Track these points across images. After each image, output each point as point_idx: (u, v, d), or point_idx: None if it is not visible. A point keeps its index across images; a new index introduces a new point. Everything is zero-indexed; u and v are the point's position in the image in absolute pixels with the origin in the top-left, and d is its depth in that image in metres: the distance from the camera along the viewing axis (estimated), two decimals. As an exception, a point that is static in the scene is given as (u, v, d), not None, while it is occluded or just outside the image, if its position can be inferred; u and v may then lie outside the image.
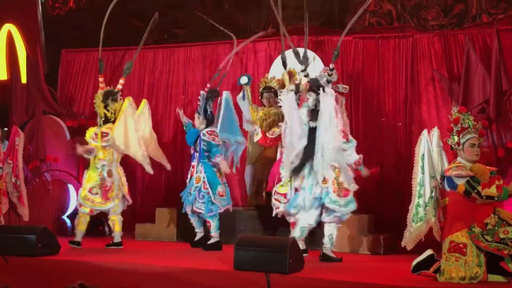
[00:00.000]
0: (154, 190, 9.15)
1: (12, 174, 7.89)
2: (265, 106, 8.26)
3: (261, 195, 8.18)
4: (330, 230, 6.71)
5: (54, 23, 10.06)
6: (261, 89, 8.31)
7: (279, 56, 8.56)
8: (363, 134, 7.49)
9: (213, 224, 7.49)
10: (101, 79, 7.91)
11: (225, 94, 7.85)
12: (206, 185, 7.40)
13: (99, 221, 8.52)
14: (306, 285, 5.66)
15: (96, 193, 7.53)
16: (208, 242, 7.53)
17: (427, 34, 8.22)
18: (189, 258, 6.89)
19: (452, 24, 8.33)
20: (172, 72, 9.27)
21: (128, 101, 7.63)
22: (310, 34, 8.50)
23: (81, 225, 7.62)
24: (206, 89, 7.87)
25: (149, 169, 7.74)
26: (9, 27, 10.05)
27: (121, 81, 8.00)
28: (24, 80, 9.72)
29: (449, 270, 5.43)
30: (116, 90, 7.79)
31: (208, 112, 7.61)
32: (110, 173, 7.58)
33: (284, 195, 7.06)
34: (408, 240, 5.91)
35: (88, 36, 9.40)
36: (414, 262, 5.81)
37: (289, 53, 8.29)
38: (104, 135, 7.57)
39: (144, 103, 7.89)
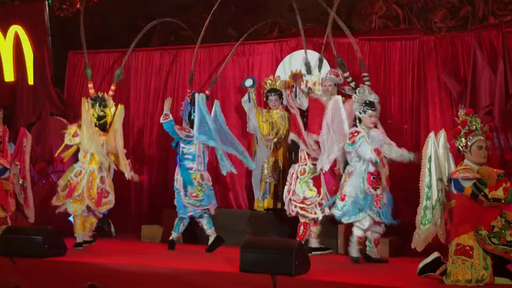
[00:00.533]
0: (161, 191, 9.16)
1: (20, 176, 7.92)
2: (269, 108, 8.28)
3: (270, 198, 8.19)
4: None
5: (61, 25, 10.09)
6: (266, 91, 8.33)
7: (286, 58, 8.62)
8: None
9: (204, 222, 7.72)
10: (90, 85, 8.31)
11: (197, 97, 7.82)
12: (181, 186, 7.68)
13: (105, 222, 8.53)
14: (312, 287, 5.66)
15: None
16: (209, 243, 7.66)
17: (433, 36, 8.21)
18: (196, 260, 6.91)
19: (459, 26, 8.32)
20: (178, 74, 9.27)
21: (83, 101, 7.86)
22: (316, 36, 8.57)
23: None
24: (188, 93, 8.10)
25: (127, 172, 7.90)
26: (16, 29, 10.08)
27: (112, 87, 8.39)
28: (31, 81, 9.78)
29: (455, 273, 5.43)
30: (106, 96, 8.11)
31: (192, 116, 7.80)
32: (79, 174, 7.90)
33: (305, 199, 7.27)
34: (418, 242, 5.93)
35: (95, 38, 9.42)
36: (421, 265, 5.80)
37: (297, 55, 8.37)
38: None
39: (120, 108, 8.03)
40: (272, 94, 8.27)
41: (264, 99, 8.39)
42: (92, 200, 7.71)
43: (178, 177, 7.78)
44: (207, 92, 8.36)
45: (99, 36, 9.78)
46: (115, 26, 9.83)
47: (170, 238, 7.81)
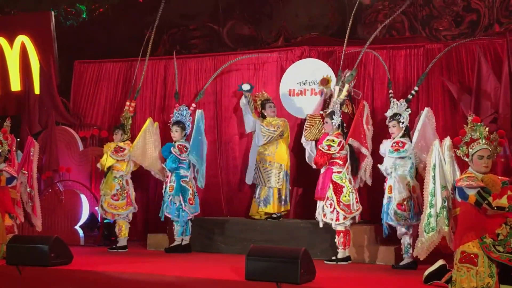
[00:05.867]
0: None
1: (27, 184, 7.98)
2: (264, 117, 8.35)
3: (274, 203, 8.21)
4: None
5: (67, 35, 10.19)
6: (261, 100, 8.41)
7: (291, 67, 8.67)
8: (374, 145, 7.51)
9: (176, 229, 8.11)
10: (132, 104, 8.92)
11: (198, 113, 8.29)
12: (177, 193, 8.05)
13: (114, 229, 8.58)
14: (318, 295, 5.69)
15: (117, 199, 8.36)
16: (170, 245, 8.18)
17: (438, 44, 8.24)
18: (202, 268, 6.93)
19: (464, 34, 8.35)
20: (184, 82, 9.34)
21: (150, 121, 8.53)
22: (321, 45, 8.62)
23: (124, 231, 8.42)
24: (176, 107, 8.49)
25: (161, 177, 8.52)
26: (22, 38, 10.19)
27: (133, 104, 8.92)
28: (37, 91, 9.88)
29: (460, 281, 5.44)
30: (133, 114, 8.87)
31: (187, 129, 8.33)
32: (127, 182, 8.46)
33: (348, 206, 7.25)
34: (420, 250, 5.93)
35: (100, 48, 9.50)
36: (426, 273, 5.82)
37: (302, 64, 8.42)
38: (121, 150, 8.46)
39: (156, 124, 8.63)
40: (270, 101, 8.42)
41: (260, 109, 8.46)
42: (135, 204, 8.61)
43: (174, 185, 8.10)
44: (193, 105, 8.59)
45: (104, 45, 9.86)
46: (121, 36, 9.92)
47: (186, 243, 8.16)
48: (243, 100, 8.49)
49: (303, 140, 8.12)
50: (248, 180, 8.48)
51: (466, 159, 5.63)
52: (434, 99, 8.07)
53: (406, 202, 6.92)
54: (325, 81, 8.27)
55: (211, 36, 9.80)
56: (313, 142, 8.01)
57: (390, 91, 7.59)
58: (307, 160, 8.04)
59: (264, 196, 8.23)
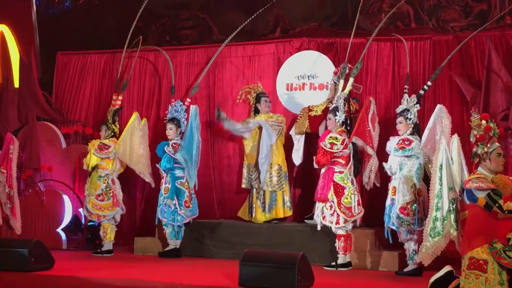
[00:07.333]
0: (156, 201, 9.19)
1: (6, 184, 7.96)
2: (257, 111, 8.36)
3: (277, 208, 8.22)
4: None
5: (49, 24, 10.15)
6: (256, 93, 8.39)
7: (288, 59, 8.66)
8: (378, 141, 7.49)
9: (168, 232, 8.12)
10: (119, 97, 8.93)
11: (192, 109, 8.25)
12: (172, 195, 8.03)
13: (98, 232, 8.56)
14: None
15: (103, 200, 8.33)
16: (164, 249, 8.16)
17: (446, 36, 8.25)
18: (193, 274, 6.93)
19: (473, 26, 8.36)
20: (174, 76, 9.33)
21: (135, 116, 8.47)
22: (321, 36, 8.62)
23: (110, 234, 8.40)
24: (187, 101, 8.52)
25: (148, 179, 8.55)
26: (1, 28, 10.15)
27: (120, 97, 8.91)
28: (16, 84, 9.82)
29: (469, 288, 5.45)
30: (119, 107, 8.86)
31: (182, 127, 8.32)
32: (113, 182, 8.44)
33: (349, 209, 7.22)
34: (425, 255, 5.93)
35: (85, 38, 9.47)
36: (432, 279, 5.81)
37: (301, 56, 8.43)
38: (105, 147, 8.40)
39: (144, 121, 8.64)
40: (266, 95, 8.44)
41: (254, 103, 8.45)
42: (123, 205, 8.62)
43: (168, 186, 8.09)
44: (188, 100, 8.58)
45: (89, 35, 9.83)
46: (107, 25, 9.89)
47: (177, 247, 8.15)
48: (225, 125, 8.48)
49: (291, 132, 8.18)
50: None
51: (485, 157, 5.56)
52: (441, 95, 8.07)
53: (410, 206, 6.92)
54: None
55: (203, 26, 9.78)
56: (301, 137, 8.08)
57: (406, 86, 7.56)
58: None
59: (268, 202, 8.22)
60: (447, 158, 5.85)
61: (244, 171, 8.45)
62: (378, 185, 7.47)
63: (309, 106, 8.09)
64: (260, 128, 8.27)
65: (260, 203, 8.25)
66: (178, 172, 8.14)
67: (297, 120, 8.18)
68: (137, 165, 8.42)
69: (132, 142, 8.38)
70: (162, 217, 8.11)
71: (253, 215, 8.28)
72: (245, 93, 8.53)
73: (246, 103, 8.60)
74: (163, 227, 8.16)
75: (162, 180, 8.23)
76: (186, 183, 8.15)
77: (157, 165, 8.26)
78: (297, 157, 8.16)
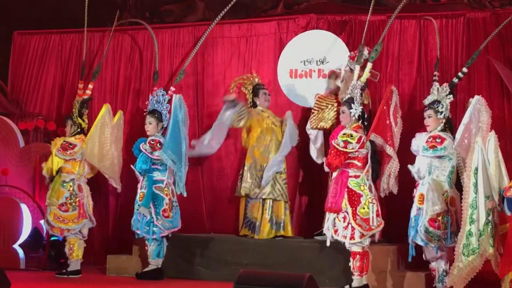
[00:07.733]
0: (130, 213, 9.21)
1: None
2: (255, 105, 8.40)
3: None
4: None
5: (4, 0, 10.16)
6: (253, 85, 8.41)
7: (293, 40, 8.67)
8: (401, 132, 7.49)
9: (151, 249, 8.02)
10: (89, 86, 8.75)
11: (176, 98, 8.19)
12: (147, 202, 7.98)
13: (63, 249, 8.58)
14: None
15: (67, 210, 8.21)
16: (144, 270, 8.08)
17: (483, 13, 8.26)
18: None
19: (515, 1, 8.39)
20: (154, 59, 9.34)
21: (106, 108, 8.36)
22: (331, 13, 8.63)
23: (77, 251, 8.31)
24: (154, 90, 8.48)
25: (117, 185, 8.56)
26: None
27: (90, 86, 8.76)
28: (-35, 70, 9.85)
29: (509, 317, 5.47)
30: (88, 98, 8.71)
31: (164, 121, 8.29)
32: (80, 188, 8.33)
33: (367, 221, 7.16)
34: (457, 278, 5.95)
35: (47, 15, 9.48)
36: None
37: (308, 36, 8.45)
38: (70, 146, 8.30)
39: (119, 114, 8.60)
40: (265, 87, 8.48)
41: (252, 96, 8.46)
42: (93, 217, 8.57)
43: (144, 192, 8.03)
44: (172, 88, 8.56)
45: (52, 12, 9.84)
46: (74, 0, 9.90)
47: (159, 266, 8.09)
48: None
49: (307, 127, 8.14)
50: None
51: None
52: (477, 84, 8.09)
53: (442, 217, 6.89)
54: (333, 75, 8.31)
55: (190, 0, 9.80)
56: (319, 132, 8.06)
57: (436, 72, 7.56)
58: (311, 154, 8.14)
59: (282, 216, 8.24)
60: (484, 160, 5.85)
61: (247, 174, 8.32)
62: (395, 192, 7.42)
63: (336, 97, 8.01)
64: (261, 116, 8.31)
65: (268, 216, 8.26)
66: (156, 175, 8.09)
67: (316, 110, 8.12)
68: (108, 169, 8.36)
69: (101, 140, 8.29)
70: (135, 227, 8.04)
71: (259, 230, 8.24)
72: (238, 85, 8.49)
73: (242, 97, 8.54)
74: (146, 242, 8.07)
75: (138, 185, 8.18)
76: (166, 189, 8.07)
77: (131, 166, 8.19)
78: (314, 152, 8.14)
